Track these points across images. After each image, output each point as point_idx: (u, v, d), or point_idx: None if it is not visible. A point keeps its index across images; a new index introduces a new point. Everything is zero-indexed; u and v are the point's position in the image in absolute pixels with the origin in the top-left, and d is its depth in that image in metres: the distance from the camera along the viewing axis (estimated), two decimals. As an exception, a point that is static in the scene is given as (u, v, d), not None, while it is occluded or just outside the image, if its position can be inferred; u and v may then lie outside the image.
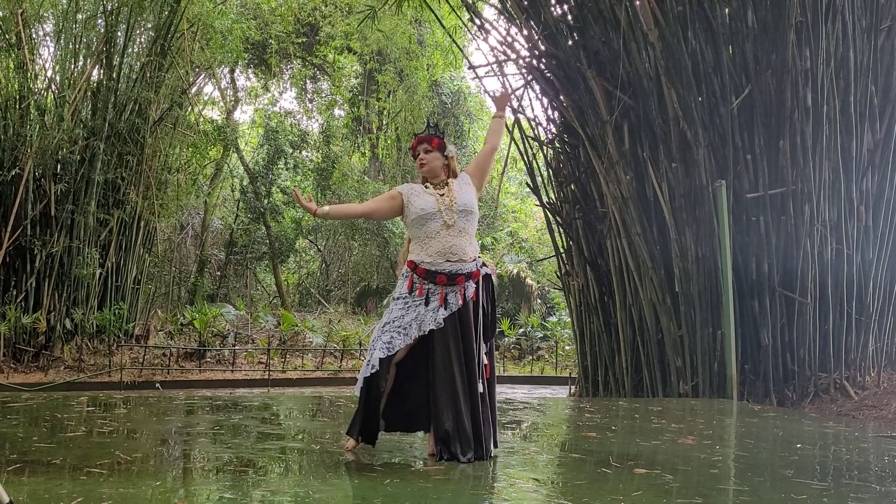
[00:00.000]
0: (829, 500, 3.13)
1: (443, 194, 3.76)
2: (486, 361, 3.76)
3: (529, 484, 3.35)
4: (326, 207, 3.80)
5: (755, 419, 5.92)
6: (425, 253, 3.71)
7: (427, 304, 3.67)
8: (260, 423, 5.11)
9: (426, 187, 3.83)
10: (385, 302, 20.15)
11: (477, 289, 3.75)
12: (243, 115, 32.93)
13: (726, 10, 8.13)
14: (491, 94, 3.96)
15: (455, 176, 3.91)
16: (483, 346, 3.77)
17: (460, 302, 3.68)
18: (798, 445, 4.61)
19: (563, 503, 2.94)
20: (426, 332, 3.65)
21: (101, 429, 4.43)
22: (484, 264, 3.83)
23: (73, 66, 13.59)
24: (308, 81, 23.46)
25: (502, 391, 11.74)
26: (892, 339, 8.53)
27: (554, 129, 10.20)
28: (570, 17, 9.18)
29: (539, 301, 20.51)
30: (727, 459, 4.10)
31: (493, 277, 3.94)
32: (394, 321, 3.69)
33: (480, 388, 3.66)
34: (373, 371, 3.63)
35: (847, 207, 8.05)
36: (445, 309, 3.66)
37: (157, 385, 12.47)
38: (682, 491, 3.18)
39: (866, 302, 8.15)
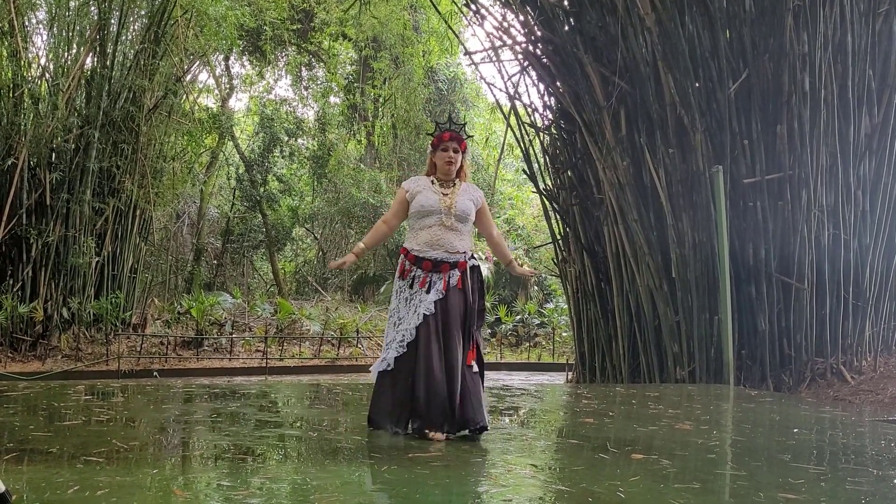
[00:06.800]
0: (826, 483, 3.14)
1: (446, 194, 3.90)
2: (470, 348, 3.83)
3: (527, 470, 3.36)
4: (361, 245, 4.02)
5: (752, 404, 5.94)
6: (415, 241, 3.91)
7: (411, 287, 3.84)
8: (258, 410, 5.11)
9: (433, 183, 3.95)
10: (382, 290, 20.15)
11: (463, 278, 3.84)
12: (238, 102, 32.83)
13: (724, -5, 8.08)
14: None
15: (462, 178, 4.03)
16: (469, 333, 3.84)
17: (443, 288, 3.79)
18: (795, 430, 4.63)
19: (560, 489, 2.95)
20: (422, 319, 3.76)
21: (99, 417, 4.42)
22: (473, 256, 3.95)
23: (66, 54, 13.48)
24: (303, 69, 23.35)
25: (500, 378, 11.77)
26: (888, 323, 8.55)
27: (550, 116, 10.16)
28: (566, 2, 9.13)
29: (536, 288, 20.52)
30: (724, 444, 4.11)
31: (484, 269, 4.00)
32: (400, 320, 3.85)
33: (460, 367, 3.75)
34: (388, 368, 3.81)
35: (844, 192, 8.04)
36: (428, 293, 3.79)
37: (155, 373, 12.47)
38: (680, 476, 3.19)
39: (863, 287, 8.16)
